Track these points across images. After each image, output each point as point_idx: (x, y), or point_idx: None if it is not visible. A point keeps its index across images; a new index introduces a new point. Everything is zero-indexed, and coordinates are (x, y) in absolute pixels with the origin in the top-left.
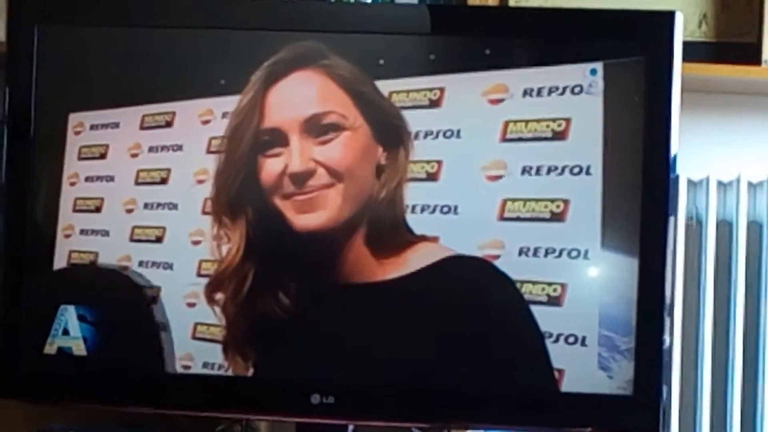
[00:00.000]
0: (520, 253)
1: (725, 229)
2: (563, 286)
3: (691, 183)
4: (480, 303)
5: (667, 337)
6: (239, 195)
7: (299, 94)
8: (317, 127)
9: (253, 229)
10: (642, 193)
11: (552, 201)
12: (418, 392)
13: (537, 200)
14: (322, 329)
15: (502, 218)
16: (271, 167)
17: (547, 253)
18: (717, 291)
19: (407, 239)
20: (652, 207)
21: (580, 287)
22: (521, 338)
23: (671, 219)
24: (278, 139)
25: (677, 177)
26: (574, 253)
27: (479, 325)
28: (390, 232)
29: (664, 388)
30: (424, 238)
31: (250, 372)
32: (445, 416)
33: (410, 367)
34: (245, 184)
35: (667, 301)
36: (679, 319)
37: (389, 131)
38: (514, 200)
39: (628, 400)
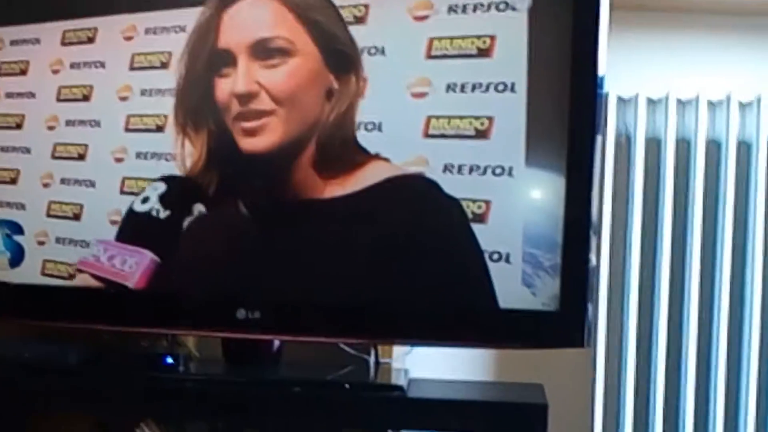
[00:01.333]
0: (445, 170)
1: (654, 146)
2: (487, 203)
3: (620, 100)
4: (421, 221)
5: (593, 256)
6: (199, 110)
7: (251, 17)
8: (264, 51)
9: (213, 143)
10: (569, 111)
11: (476, 118)
12: (348, 309)
13: (461, 117)
14: (257, 245)
15: (427, 135)
16: (223, 87)
17: (471, 170)
18: (645, 209)
19: (358, 159)
20: (580, 125)
21: (505, 204)
22: (461, 256)
23: (599, 137)
24: (229, 60)
25: (606, 94)
26: (498, 171)
27: (419, 243)
28: (339, 152)
29: (590, 306)
30: (377, 157)
31: (176, 286)
32: (376, 333)
33: (343, 284)
34: (204, 101)
35: (594, 219)
36: (607, 238)
37: (341, 58)
38: (438, 117)
39: (554, 316)
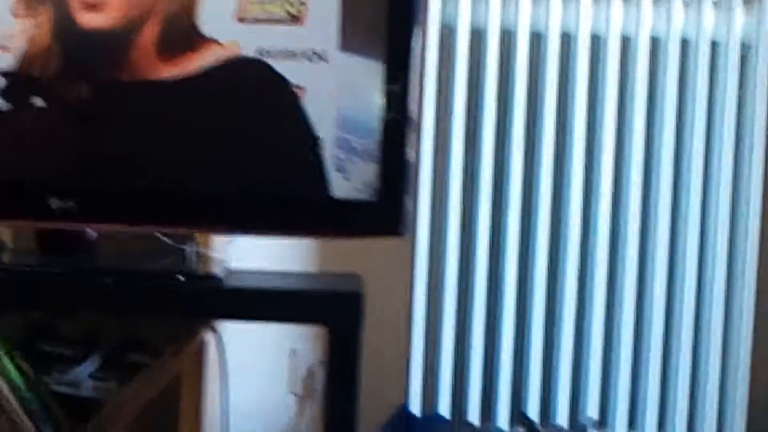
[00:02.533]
0: (258, 54)
1: (478, 38)
2: (301, 89)
3: None
4: (254, 105)
5: (413, 145)
6: None
7: None
8: None
9: (53, 20)
10: None
11: (290, 3)
12: (166, 198)
13: (272, 2)
14: (78, 130)
15: (239, 20)
16: None
17: (284, 56)
18: (469, 101)
19: (196, 42)
20: (398, 12)
21: (319, 89)
22: (292, 141)
23: (419, 27)
24: None
25: None
26: (311, 56)
27: (249, 128)
28: (178, 36)
29: (409, 196)
30: (215, 42)
31: None
32: (194, 222)
33: (163, 171)
34: None
35: (413, 109)
36: (431, 129)
37: None
38: (251, 1)
39: (371, 205)
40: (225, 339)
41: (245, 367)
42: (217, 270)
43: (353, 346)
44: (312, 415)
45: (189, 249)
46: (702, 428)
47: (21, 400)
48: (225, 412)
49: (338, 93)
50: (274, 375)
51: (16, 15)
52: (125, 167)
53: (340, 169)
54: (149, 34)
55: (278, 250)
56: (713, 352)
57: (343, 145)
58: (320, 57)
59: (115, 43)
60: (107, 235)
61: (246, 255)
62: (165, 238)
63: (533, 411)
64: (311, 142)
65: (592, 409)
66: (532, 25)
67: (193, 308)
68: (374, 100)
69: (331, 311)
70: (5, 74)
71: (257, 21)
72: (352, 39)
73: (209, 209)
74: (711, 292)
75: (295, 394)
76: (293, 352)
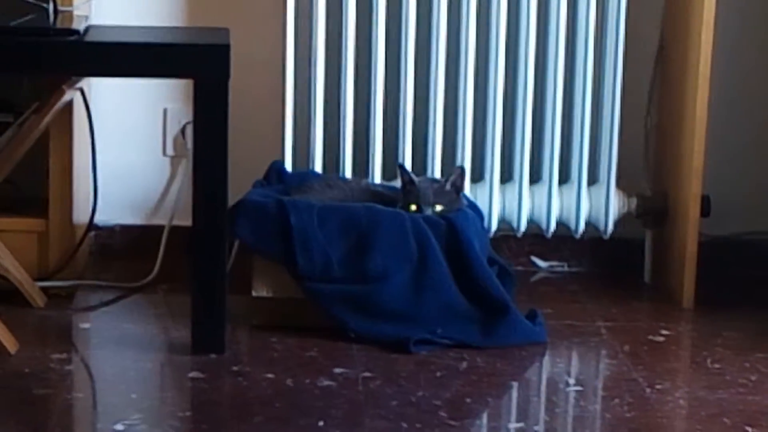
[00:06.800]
0: None
1: None
2: None
3: None
4: None
5: None
6: None
7: None
8: None
9: None
10: None
11: None
12: None
13: None
14: None
15: None
16: None
17: None
18: None
19: None
20: None
21: None
22: None
23: None
24: None
25: None
26: None
27: None
28: None
29: None
30: None
31: None
32: None
33: None
34: None
35: None
36: None
37: None
38: None
39: None
40: (96, 100)
41: (117, 128)
42: (78, 26)
43: (222, 99)
44: (185, 176)
45: (49, 6)
46: (574, 179)
47: None
48: (94, 172)
49: None
50: (146, 136)
51: None
52: None
53: None
54: None
55: (145, 7)
56: (585, 105)
57: None
58: None
59: None
60: None
61: (111, 12)
62: None
63: (408, 165)
64: None
65: (465, 163)
66: None
67: (52, 64)
68: None
69: (198, 64)
70: None
71: None
72: None
73: None
74: (583, 42)
75: (168, 155)
76: (165, 112)
